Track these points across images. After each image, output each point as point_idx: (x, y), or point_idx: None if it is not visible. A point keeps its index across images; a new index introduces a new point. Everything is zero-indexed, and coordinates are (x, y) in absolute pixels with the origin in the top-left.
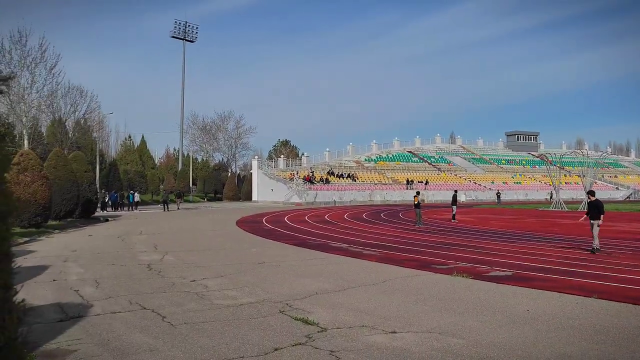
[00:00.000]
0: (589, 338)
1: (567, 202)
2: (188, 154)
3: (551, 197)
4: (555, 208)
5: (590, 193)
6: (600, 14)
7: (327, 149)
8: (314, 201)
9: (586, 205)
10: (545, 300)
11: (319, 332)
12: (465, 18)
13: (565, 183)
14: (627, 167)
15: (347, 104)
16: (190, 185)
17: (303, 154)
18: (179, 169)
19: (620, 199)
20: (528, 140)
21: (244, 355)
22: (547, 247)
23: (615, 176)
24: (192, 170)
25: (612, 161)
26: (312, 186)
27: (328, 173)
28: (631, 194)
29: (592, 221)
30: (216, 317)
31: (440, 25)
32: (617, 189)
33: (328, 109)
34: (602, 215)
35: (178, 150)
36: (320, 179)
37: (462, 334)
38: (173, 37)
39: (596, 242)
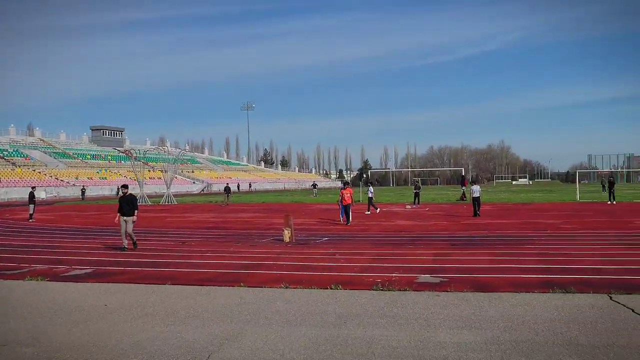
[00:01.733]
0: (161, 322)
1: (151, 197)
2: None
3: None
4: (140, 202)
5: (124, 187)
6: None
7: None
8: None
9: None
10: (124, 291)
11: None
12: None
13: (150, 178)
14: (202, 163)
15: None
16: None
17: None
18: None
19: (196, 191)
20: (114, 135)
21: None
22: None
23: (193, 171)
24: None
25: (189, 157)
26: None
27: None
28: (205, 187)
29: (125, 218)
30: None
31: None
32: (194, 183)
33: None
34: (136, 211)
35: None
36: None
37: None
38: None
39: (125, 242)
